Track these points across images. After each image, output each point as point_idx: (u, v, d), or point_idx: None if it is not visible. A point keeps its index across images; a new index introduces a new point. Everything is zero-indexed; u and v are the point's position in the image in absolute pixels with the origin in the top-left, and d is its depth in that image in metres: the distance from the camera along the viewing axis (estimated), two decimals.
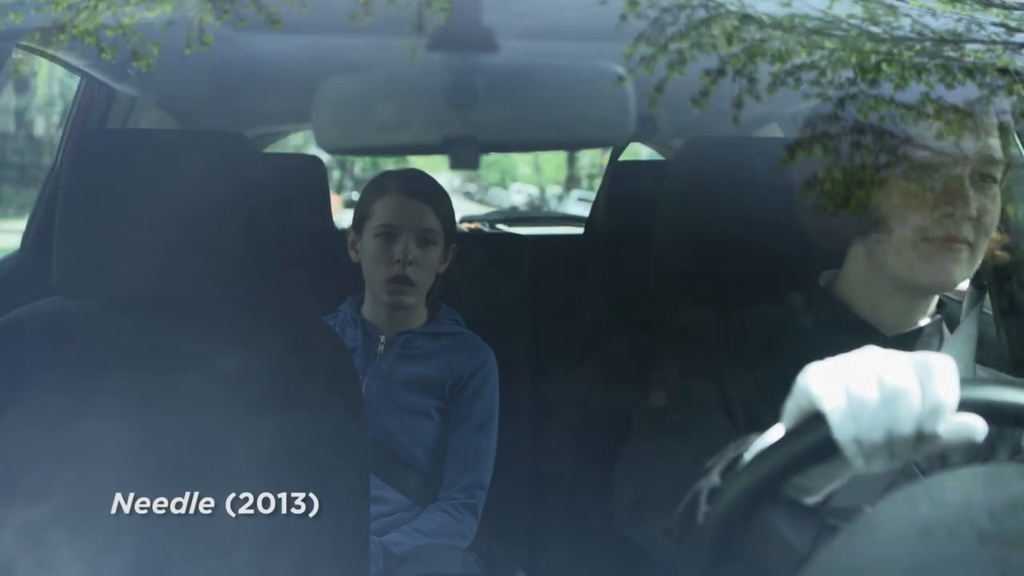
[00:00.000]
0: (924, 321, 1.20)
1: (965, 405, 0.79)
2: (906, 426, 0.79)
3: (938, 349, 1.19)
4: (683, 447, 1.08)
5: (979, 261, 1.16)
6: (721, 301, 1.32)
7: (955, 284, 1.16)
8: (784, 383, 0.86)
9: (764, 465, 0.84)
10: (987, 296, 1.32)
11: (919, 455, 0.81)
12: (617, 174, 2.03)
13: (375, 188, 1.92)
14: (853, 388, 0.81)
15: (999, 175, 1.15)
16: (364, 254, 1.90)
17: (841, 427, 0.80)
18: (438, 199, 1.91)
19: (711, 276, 1.32)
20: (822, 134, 1.21)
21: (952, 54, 1.22)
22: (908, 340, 1.18)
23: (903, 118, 1.16)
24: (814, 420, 0.82)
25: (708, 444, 1.01)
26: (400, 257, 1.85)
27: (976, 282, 1.26)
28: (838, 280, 1.23)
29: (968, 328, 1.21)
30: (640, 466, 1.16)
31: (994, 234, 1.18)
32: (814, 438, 0.81)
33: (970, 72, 1.21)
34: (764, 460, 0.84)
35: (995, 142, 1.15)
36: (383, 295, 1.88)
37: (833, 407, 0.81)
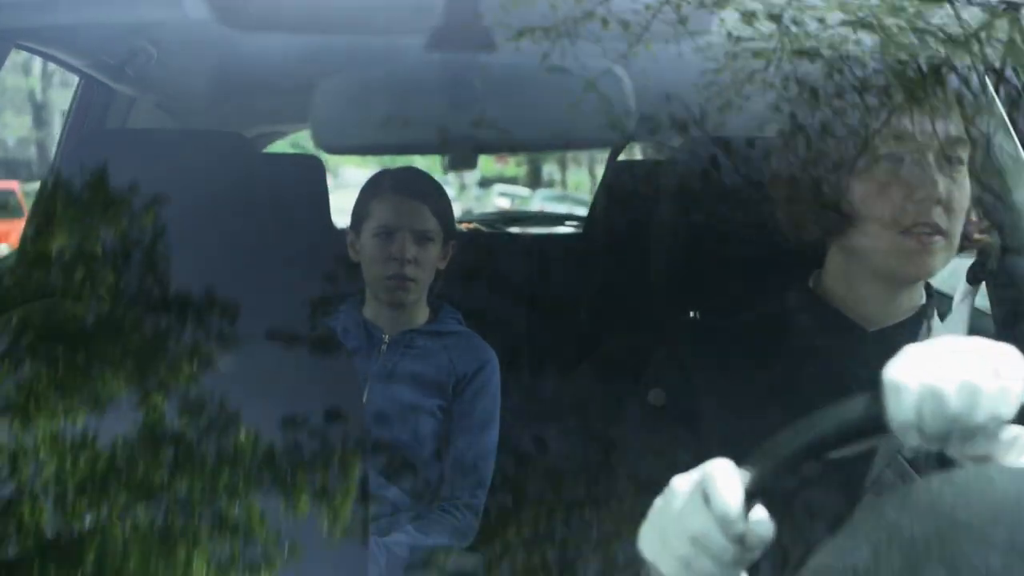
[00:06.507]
0: (907, 314, 1.19)
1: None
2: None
3: (922, 340, 1.18)
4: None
5: (955, 247, 1.14)
6: (719, 300, 1.32)
7: (933, 272, 1.14)
8: (770, 386, 0.85)
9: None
10: (981, 294, 1.31)
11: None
12: (616, 173, 2.03)
13: (371, 188, 1.92)
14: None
15: (965, 156, 1.13)
16: (363, 254, 1.90)
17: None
18: (434, 197, 1.91)
19: (710, 275, 1.32)
20: (788, 128, 1.19)
21: (905, 26, 1.18)
22: (889, 335, 1.17)
23: (862, 103, 1.13)
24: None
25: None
26: (398, 255, 1.85)
27: (971, 278, 1.25)
28: (822, 278, 1.23)
29: (958, 322, 1.20)
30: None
31: (973, 218, 1.16)
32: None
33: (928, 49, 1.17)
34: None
35: (957, 121, 1.12)
36: (382, 293, 1.88)
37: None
